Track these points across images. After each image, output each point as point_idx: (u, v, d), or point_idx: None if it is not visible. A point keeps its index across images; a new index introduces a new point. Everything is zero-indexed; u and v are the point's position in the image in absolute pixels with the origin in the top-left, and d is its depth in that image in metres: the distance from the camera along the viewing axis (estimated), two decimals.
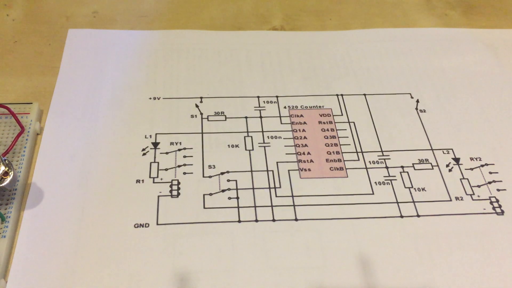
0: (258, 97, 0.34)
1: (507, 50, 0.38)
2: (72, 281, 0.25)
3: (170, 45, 0.37)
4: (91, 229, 0.27)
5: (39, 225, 0.27)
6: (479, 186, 0.30)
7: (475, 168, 0.31)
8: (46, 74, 0.34)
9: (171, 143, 0.31)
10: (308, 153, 0.31)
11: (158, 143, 0.31)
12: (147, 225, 0.27)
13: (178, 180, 0.29)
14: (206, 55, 0.36)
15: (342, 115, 0.33)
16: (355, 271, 0.26)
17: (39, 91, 0.33)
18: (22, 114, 0.30)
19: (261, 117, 0.33)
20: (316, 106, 0.33)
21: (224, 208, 0.28)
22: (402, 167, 0.30)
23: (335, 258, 0.26)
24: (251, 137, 0.31)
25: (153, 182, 0.29)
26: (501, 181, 0.30)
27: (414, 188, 0.29)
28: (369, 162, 0.31)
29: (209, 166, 0.30)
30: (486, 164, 0.31)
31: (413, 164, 0.31)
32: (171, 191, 0.28)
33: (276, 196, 0.29)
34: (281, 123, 0.32)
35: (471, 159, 0.31)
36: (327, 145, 0.31)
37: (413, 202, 0.29)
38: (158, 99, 0.33)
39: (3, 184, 0.26)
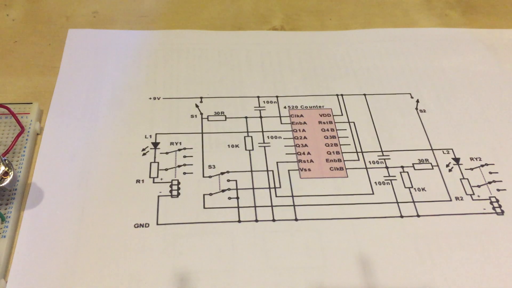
0: (258, 97, 0.34)
1: (507, 50, 0.38)
2: (72, 281, 0.25)
3: (170, 45, 0.37)
4: (91, 229, 0.27)
5: (39, 225, 0.27)
6: (479, 186, 0.30)
7: (475, 168, 0.31)
8: (46, 74, 0.34)
9: (171, 143, 0.31)
10: (308, 153, 0.31)
11: (158, 143, 0.31)
12: (147, 225, 0.27)
13: (178, 180, 0.29)
14: (206, 55, 0.36)
15: (342, 115, 0.33)
16: (355, 271, 0.26)
17: (39, 91, 0.33)
18: (22, 114, 0.30)
19: (261, 117, 0.33)
20: (316, 106, 0.33)
21: (224, 208, 0.28)
22: (402, 167, 0.30)
23: (335, 258, 0.26)
24: (251, 137, 0.31)
25: (153, 182, 0.29)
26: (501, 181, 0.30)
27: (414, 188, 0.29)
28: (369, 162, 0.31)
29: (209, 166, 0.30)
30: (486, 164, 0.31)
31: (413, 164, 0.31)
32: (171, 191, 0.28)
33: (276, 196, 0.29)
34: (281, 123, 0.32)
35: (471, 159, 0.31)
36: (327, 145, 0.31)
37: (413, 202, 0.29)
38: (158, 99, 0.33)
39: (3, 184, 0.26)
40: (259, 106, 0.33)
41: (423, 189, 0.29)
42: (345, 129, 0.32)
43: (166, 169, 0.29)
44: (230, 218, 0.28)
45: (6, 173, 0.26)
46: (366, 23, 0.40)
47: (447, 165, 0.31)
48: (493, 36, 0.39)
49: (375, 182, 0.30)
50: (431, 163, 0.31)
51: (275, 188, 0.29)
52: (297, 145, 0.31)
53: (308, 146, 0.31)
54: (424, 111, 0.34)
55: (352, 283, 0.25)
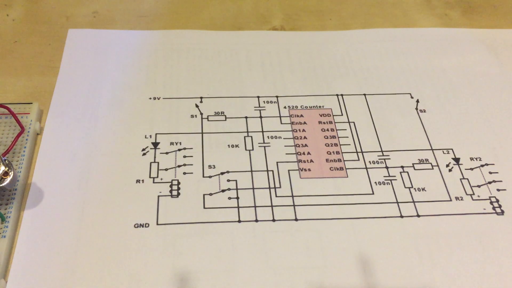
0: (258, 97, 0.34)
1: (507, 50, 0.38)
2: (72, 281, 0.25)
3: (170, 45, 0.37)
4: (91, 229, 0.27)
5: (39, 225, 0.27)
6: (479, 186, 0.30)
7: (475, 168, 0.31)
8: (46, 74, 0.34)
9: (171, 143, 0.31)
10: (308, 153, 0.31)
11: (158, 143, 0.31)
12: (147, 225, 0.27)
13: (178, 180, 0.29)
14: (206, 55, 0.36)
15: (342, 115, 0.33)
16: (355, 271, 0.26)
17: (39, 91, 0.33)
18: (22, 114, 0.30)
19: (261, 117, 0.33)
20: (316, 106, 0.33)
21: (224, 208, 0.28)
22: (402, 167, 0.30)
23: (335, 258, 0.26)
24: (251, 137, 0.31)
25: (153, 182, 0.29)
26: (501, 181, 0.30)
27: (414, 188, 0.29)
28: (369, 162, 0.31)
29: (209, 166, 0.30)
30: (486, 164, 0.31)
31: (413, 164, 0.31)
32: (171, 191, 0.28)
33: (276, 196, 0.29)
34: (281, 123, 0.32)
35: (471, 159, 0.31)
36: (327, 145, 0.31)
37: (413, 202, 0.29)
38: (158, 99, 0.33)
39: (3, 184, 0.26)
40: (259, 106, 0.33)
41: (423, 189, 0.29)
42: (345, 129, 0.32)
43: (166, 169, 0.29)
44: (230, 218, 0.28)
45: (6, 173, 0.26)
46: (366, 23, 0.40)
47: (447, 165, 0.31)
48: (493, 36, 0.39)
49: (375, 182, 0.30)
50: (431, 163, 0.31)
51: (275, 188, 0.29)
52: (297, 145, 0.31)
53: (308, 146, 0.31)
54: (424, 111, 0.34)
55: (352, 283, 0.25)
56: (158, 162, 0.30)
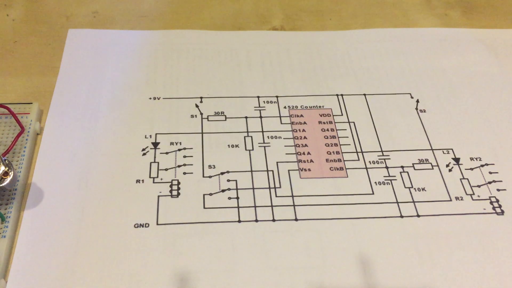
0: (258, 97, 0.34)
1: (507, 50, 0.38)
2: (72, 281, 0.25)
3: (170, 45, 0.37)
4: (91, 229, 0.27)
5: (39, 225, 0.27)
6: (479, 186, 0.30)
7: (475, 168, 0.31)
8: (46, 74, 0.34)
9: (171, 143, 0.31)
10: (308, 153, 0.31)
11: (158, 143, 0.31)
12: (147, 225, 0.27)
13: (178, 180, 0.29)
14: (206, 55, 0.36)
15: (342, 115, 0.33)
16: (355, 271, 0.26)
17: (39, 91, 0.33)
18: (22, 114, 0.30)
19: (261, 117, 0.33)
20: (316, 106, 0.33)
21: (224, 208, 0.28)
22: (402, 167, 0.30)
23: (335, 258, 0.26)
24: (251, 137, 0.31)
25: (153, 182, 0.29)
26: (501, 181, 0.30)
27: (414, 188, 0.29)
28: (369, 162, 0.31)
29: (209, 166, 0.30)
30: (486, 164, 0.31)
31: (413, 164, 0.31)
32: (171, 191, 0.28)
33: (276, 196, 0.29)
34: (281, 123, 0.32)
35: (471, 159, 0.31)
36: (327, 145, 0.31)
37: (413, 202, 0.29)
38: (158, 99, 0.33)
39: (3, 184, 0.26)
40: (259, 106, 0.33)
41: (423, 189, 0.29)
42: (345, 129, 0.32)
43: (166, 169, 0.29)
44: (230, 218, 0.28)
45: (6, 173, 0.26)
46: (366, 23, 0.40)
47: (447, 165, 0.31)
48: (493, 36, 0.39)
49: (375, 182, 0.30)
50: (431, 163, 0.31)
51: (275, 188, 0.29)
52: (297, 145, 0.31)
53: (308, 146, 0.31)
54: (424, 111, 0.34)
55: (352, 283, 0.25)
56: (158, 162, 0.30)
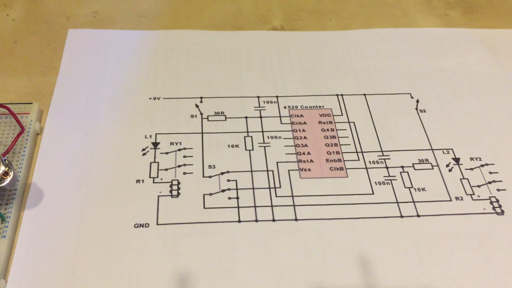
0: (258, 97, 0.34)
1: (507, 50, 0.38)
2: (72, 281, 0.25)
3: (170, 45, 0.37)
4: (91, 229, 0.27)
5: (39, 225, 0.27)
6: (479, 186, 0.30)
7: (475, 168, 0.31)
8: (46, 74, 0.34)
9: (171, 143, 0.31)
10: (308, 153, 0.31)
11: (158, 143, 0.31)
12: (147, 225, 0.27)
13: (178, 180, 0.29)
14: (206, 55, 0.36)
15: (342, 115, 0.33)
16: (355, 271, 0.26)
17: (39, 91, 0.33)
18: (22, 114, 0.30)
19: (261, 117, 0.33)
20: (316, 106, 0.33)
21: (224, 208, 0.28)
22: (402, 167, 0.30)
23: (335, 258, 0.26)
24: (251, 137, 0.31)
25: (153, 182, 0.29)
26: (501, 181, 0.30)
27: (414, 188, 0.29)
28: (369, 162, 0.31)
29: (209, 166, 0.30)
30: (486, 164, 0.31)
31: (413, 164, 0.31)
32: (171, 191, 0.28)
33: (276, 196, 0.29)
34: (281, 123, 0.32)
35: (471, 159, 0.31)
36: (327, 145, 0.31)
37: (413, 202, 0.29)
38: (158, 99, 0.33)
39: (3, 184, 0.26)
40: (259, 106, 0.33)
41: (423, 189, 0.29)
42: (345, 129, 0.32)
43: (166, 169, 0.29)
44: (230, 218, 0.28)
45: (6, 173, 0.26)
46: (366, 23, 0.40)
47: (447, 165, 0.31)
48: (493, 36, 0.39)
49: (375, 182, 0.30)
50: (431, 163, 0.31)
51: (275, 188, 0.29)
52: (297, 145, 0.31)
53: (308, 146, 0.31)
54: (424, 111, 0.34)
55: (352, 283, 0.25)
56: (158, 162, 0.30)
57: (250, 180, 0.29)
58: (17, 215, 0.27)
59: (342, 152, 0.31)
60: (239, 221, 0.27)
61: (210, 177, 0.29)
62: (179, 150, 0.30)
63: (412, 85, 0.35)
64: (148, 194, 0.28)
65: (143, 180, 0.29)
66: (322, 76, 0.35)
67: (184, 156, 0.30)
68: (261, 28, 0.39)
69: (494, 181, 0.30)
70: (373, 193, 0.29)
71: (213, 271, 0.25)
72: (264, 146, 0.31)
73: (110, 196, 0.28)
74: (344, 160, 0.30)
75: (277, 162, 0.30)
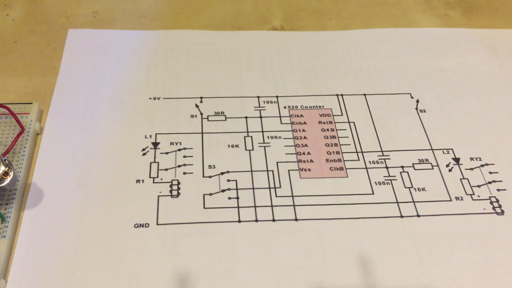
0: (258, 97, 0.34)
1: (507, 50, 0.38)
2: (72, 281, 0.25)
3: (170, 45, 0.37)
4: (91, 229, 0.27)
5: (39, 225, 0.27)
6: (479, 186, 0.30)
7: (475, 168, 0.31)
8: (46, 74, 0.34)
9: (171, 143, 0.31)
10: (308, 153, 0.31)
11: (158, 143, 0.31)
12: (147, 225, 0.27)
13: (178, 180, 0.29)
14: (206, 55, 0.36)
15: (342, 115, 0.33)
16: (355, 271, 0.26)
17: (39, 91, 0.33)
18: (22, 114, 0.30)
19: (261, 117, 0.33)
20: (316, 106, 0.33)
21: (224, 208, 0.28)
22: (402, 167, 0.30)
23: (335, 258, 0.26)
24: (251, 137, 0.31)
25: (153, 182, 0.29)
26: (501, 181, 0.30)
27: (414, 188, 0.29)
28: (369, 162, 0.31)
29: (209, 166, 0.30)
30: (486, 164, 0.31)
31: (413, 164, 0.31)
32: (171, 191, 0.28)
33: (276, 196, 0.29)
34: (281, 123, 0.32)
35: (471, 159, 0.31)
36: (327, 145, 0.31)
37: (413, 202, 0.29)
38: (158, 99, 0.33)
39: (3, 184, 0.26)
40: (259, 106, 0.33)
41: (423, 189, 0.29)
42: (345, 129, 0.32)
43: (166, 169, 0.29)
44: (230, 218, 0.28)
45: (6, 173, 0.26)
46: (366, 23, 0.40)
47: (447, 165, 0.31)
48: (493, 36, 0.39)
49: (375, 182, 0.30)
50: (431, 163, 0.31)
51: (275, 188, 0.29)
52: (297, 145, 0.31)
53: (308, 146, 0.31)
54: (424, 111, 0.34)
55: (352, 283, 0.25)
56: (158, 162, 0.30)
57: (250, 180, 0.29)
58: (17, 215, 0.27)
59: (342, 152, 0.31)
60: (239, 221, 0.27)
61: (210, 177, 0.29)
62: (179, 150, 0.30)
63: (412, 85, 0.35)
64: (148, 194, 0.28)
65: (143, 180, 0.29)
66: (322, 76, 0.35)
67: (184, 156, 0.30)
68: (261, 28, 0.39)
69: (494, 181, 0.30)
70: (373, 193, 0.29)
71: (213, 271, 0.26)
72: (264, 146, 0.31)
73: (110, 196, 0.28)
74: (344, 160, 0.30)
75: (277, 162, 0.30)
